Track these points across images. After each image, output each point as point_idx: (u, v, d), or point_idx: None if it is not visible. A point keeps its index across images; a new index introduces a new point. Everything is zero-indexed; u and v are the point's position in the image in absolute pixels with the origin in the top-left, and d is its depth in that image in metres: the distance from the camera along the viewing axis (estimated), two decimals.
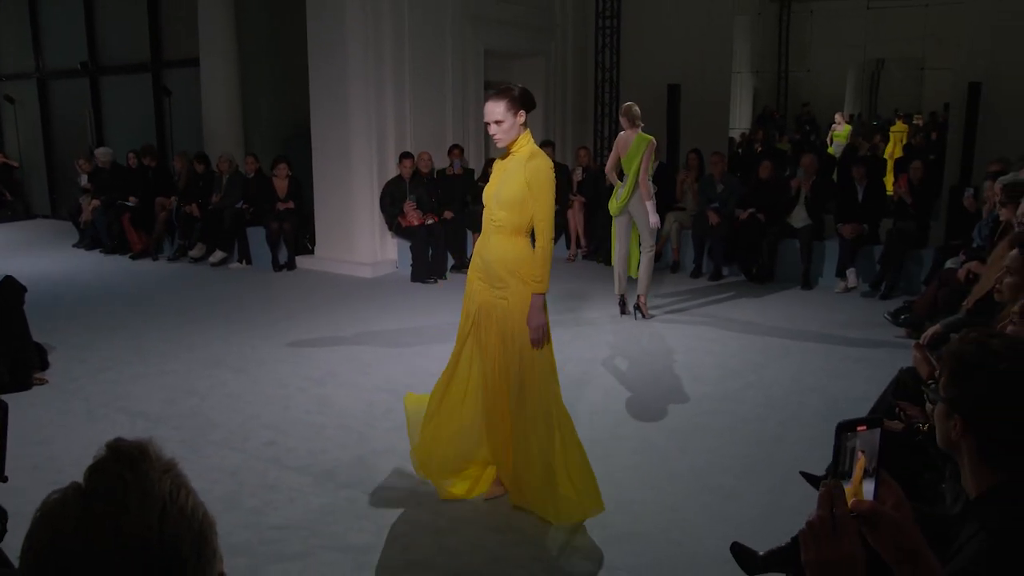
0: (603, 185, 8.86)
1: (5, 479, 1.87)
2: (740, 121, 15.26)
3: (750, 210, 8.52)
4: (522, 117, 3.36)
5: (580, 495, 3.44)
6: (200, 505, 1.02)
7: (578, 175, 9.84)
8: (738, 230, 8.51)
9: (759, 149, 13.49)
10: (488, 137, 9.73)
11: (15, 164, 14.20)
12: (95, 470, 0.99)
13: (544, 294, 3.40)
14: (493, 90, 3.40)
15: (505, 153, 3.47)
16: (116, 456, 1.00)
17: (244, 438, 4.51)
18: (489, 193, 3.48)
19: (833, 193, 8.68)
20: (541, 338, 3.40)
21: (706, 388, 5.29)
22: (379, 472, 4.06)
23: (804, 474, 2.64)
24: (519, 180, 3.35)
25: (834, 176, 11.27)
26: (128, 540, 0.94)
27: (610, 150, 7.25)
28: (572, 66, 11.67)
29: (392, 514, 3.63)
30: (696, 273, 8.76)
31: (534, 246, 3.43)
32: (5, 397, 2.45)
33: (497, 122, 3.34)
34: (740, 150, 14.15)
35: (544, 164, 3.33)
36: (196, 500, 1.02)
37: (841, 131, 14.51)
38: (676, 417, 4.79)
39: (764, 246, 8.39)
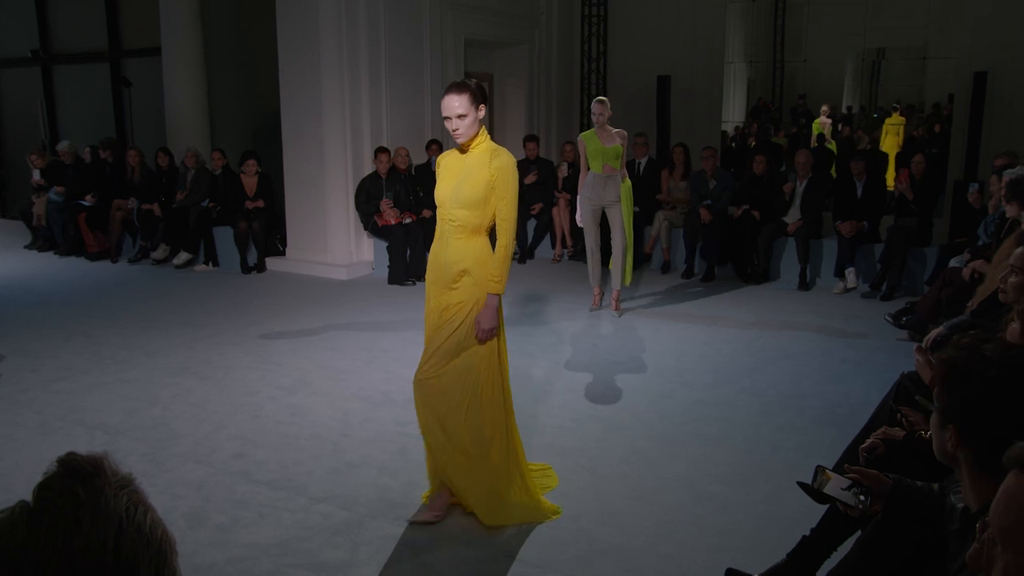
0: None
1: None
2: (733, 114, 15.34)
3: (744, 207, 8.57)
4: (482, 112, 3.42)
5: (534, 500, 3.67)
6: (159, 523, 1.02)
7: (563, 171, 9.87)
8: (731, 228, 8.56)
9: (753, 143, 13.58)
10: None
11: None
12: (45, 487, 0.98)
13: (500, 296, 3.46)
14: (452, 84, 3.43)
15: (463, 148, 3.48)
16: (68, 471, 0.99)
17: (211, 450, 4.49)
18: (444, 193, 3.49)
19: (830, 190, 8.75)
20: (487, 340, 3.48)
21: (698, 393, 5.32)
22: (355, 485, 4.06)
23: (801, 484, 2.66)
24: (482, 178, 3.39)
25: (832, 171, 11.37)
26: (80, 560, 0.92)
27: None
28: (557, 56, 11.72)
29: (368, 530, 3.62)
30: (688, 273, 8.81)
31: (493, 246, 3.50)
32: None
33: (460, 116, 3.37)
34: (733, 144, 14.22)
35: (510, 162, 3.39)
36: (155, 517, 1.01)
37: (824, 125, 14.56)
38: (666, 424, 4.81)
39: (759, 245, 8.45)
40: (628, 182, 7.03)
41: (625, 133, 7.03)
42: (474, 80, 3.47)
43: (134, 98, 12.07)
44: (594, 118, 6.91)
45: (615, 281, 7.13)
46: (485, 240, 3.49)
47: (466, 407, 3.52)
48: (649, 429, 4.75)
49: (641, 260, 9.05)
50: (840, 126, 14.96)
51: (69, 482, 0.96)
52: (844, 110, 15.88)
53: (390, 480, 4.12)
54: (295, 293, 8.31)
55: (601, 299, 7.42)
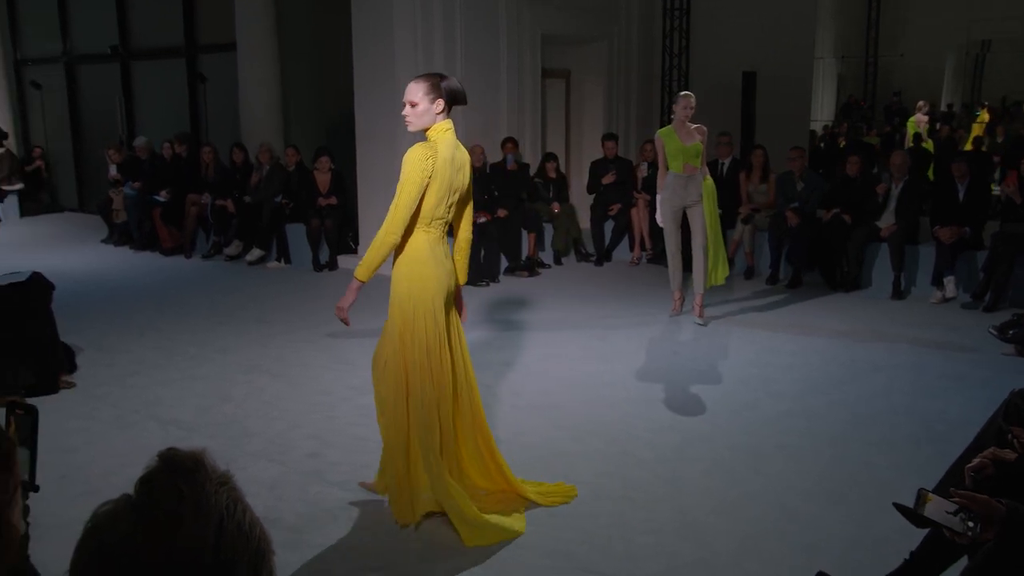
0: None
1: (36, 488, 1.94)
2: (822, 112, 15.05)
3: (834, 210, 8.39)
4: (439, 106, 3.47)
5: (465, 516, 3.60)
6: (257, 521, 1.03)
7: (643, 171, 9.81)
8: (820, 232, 8.38)
9: (843, 143, 13.28)
10: (545, 129, 9.85)
11: (41, 163, 14.68)
12: (147, 481, 1.01)
13: (361, 281, 3.56)
14: (421, 74, 3.55)
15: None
16: (170, 466, 1.01)
17: (284, 449, 4.59)
18: None
19: (927, 193, 8.50)
20: (341, 317, 3.64)
21: (784, 405, 5.23)
22: None
23: (899, 506, 2.58)
24: None
25: (929, 173, 11.04)
26: (182, 555, 0.94)
27: None
28: (637, 52, 11.64)
29: (436, 533, 3.65)
30: (772, 279, 8.66)
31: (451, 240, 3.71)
32: (31, 400, 2.53)
33: (412, 104, 3.47)
34: (822, 144, 13.95)
35: (415, 151, 3.42)
36: (253, 516, 1.03)
37: (920, 124, 14.13)
38: (750, 435, 4.74)
39: (849, 250, 8.25)
40: (711, 180, 6.93)
41: (705, 129, 6.93)
42: (453, 81, 3.53)
43: (209, 94, 12.44)
44: (683, 113, 6.80)
45: (697, 286, 7.04)
46: (417, 235, 3.54)
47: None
48: (732, 440, 4.68)
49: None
50: (938, 125, 14.51)
51: (171, 477, 0.99)
52: (943, 107, 15.40)
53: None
54: (367, 292, 8.36)
55: (682, 304, 7.34)
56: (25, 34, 15.42)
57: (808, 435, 4.75)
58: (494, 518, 3.63)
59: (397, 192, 3.44)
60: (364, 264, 3.53)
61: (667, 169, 6.88)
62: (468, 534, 3.55)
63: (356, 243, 9.80)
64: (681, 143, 6.77)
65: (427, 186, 3.44)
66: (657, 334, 6.88)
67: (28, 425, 1.70)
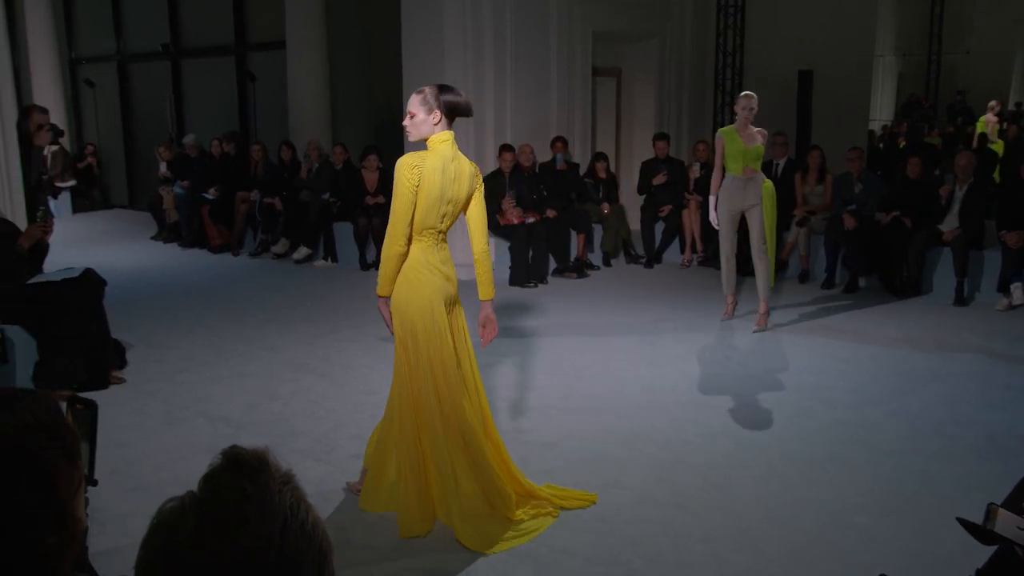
0: None
1: (95, 483, 1.98)
2: (881, 112, 14.79)
3: (894, 213, 8.23)
4: (435, 118, 3.58)
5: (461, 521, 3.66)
6: (320, 521, 1.05)
7: (695, 171, 9.73)
8: (878, 235, 8.24)
9: (903, 143, 13.04)
10: (595, 128, 9.90)
11: (93, 160, 15.04)
12: (212, 478, 1.02)
13: (382, 296, 3.66)
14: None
15: None
16: (234, 464, 1.03)
17: (329, 448, 4.65)
18: None
19: (993, 195, 8.30)
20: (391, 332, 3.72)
21: (839, 414, 5.15)
22: None
23: (963, 521, 2.52)
24: None
25: (996, 175, 10.78)
26: (246, 554, 0.96)
27: None
28: (690, 50, 11.56)
29: None
30: (828, 283, 8.53)
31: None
32: (82, 395, 2.59)
33: (411, 115, 3.61)
34: (881, 145, 13.71)
35: (401, 161, 3.53)
36: (316, 515, 1.04)
37: (989, 124, 13.81)
38: (805, 445, 4.68)
39: (909, 254, 8.10)
40: (770, 182, 6.83)
41: (766, 132, 6.87)
42: (456, 95, 3.62)
43: (258, 92, 12.64)
44: (743, 114, 6.75)
45: (762, 292, 6.94)
46: (415, 245, 3.62)
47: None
48: (785, 448, 4.63)
49: (777, 267, 8.82)
50: (1006, 125, 14.18)
51: (235, 475, 1.00)
52: (1011, 107, 15.04)
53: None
54: None
55: (734, 308, 7.27)
56: (80, 33, 15.82)
57: (864, 445, 4.67)
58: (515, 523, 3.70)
59: (392, 203, 3.56)
60: (379, 279, 3.66)
61: (723, 169, 6.81)
62: (467, 534, 3.60)
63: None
64: (743, 145, 6.68)
65: (416, 195, 3.53)
66: (709, 338, 6.82)
67: (87, 420, 1.74)
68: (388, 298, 3.65)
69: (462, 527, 3.60)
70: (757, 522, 3.81)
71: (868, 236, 8.26)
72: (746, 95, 6.79)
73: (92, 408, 1.70)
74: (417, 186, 3.50)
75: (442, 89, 3.62)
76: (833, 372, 5.95)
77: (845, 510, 3.92)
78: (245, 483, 0.99)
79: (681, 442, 4.72)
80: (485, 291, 3.85)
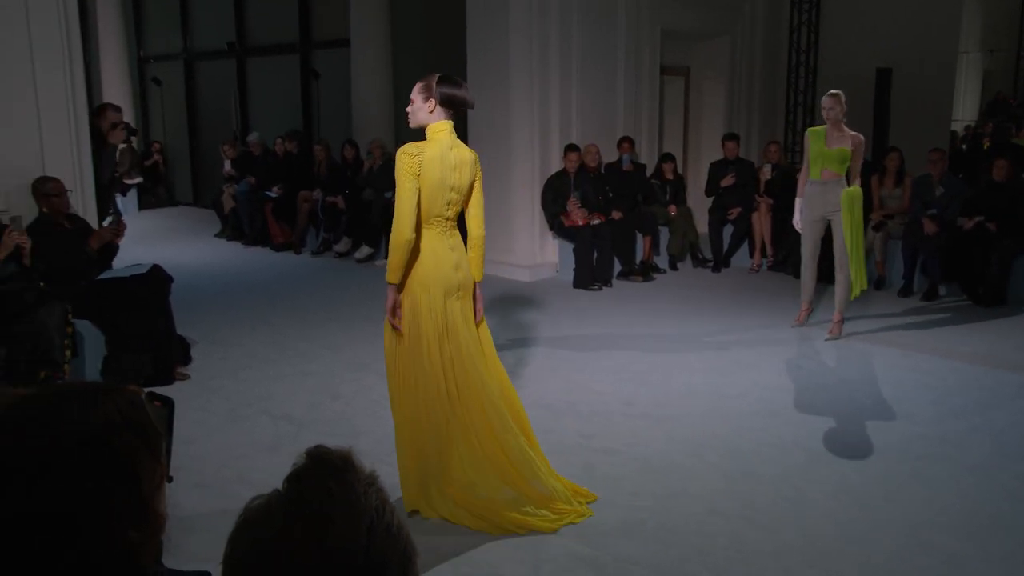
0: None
1: (170, 479, 2.04)
2: (965, 111, 14.38)
3: (977, 218, 8.01)
4: (431, 106, 3.76)
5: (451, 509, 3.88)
6: (405, 525, 1.06)
7: (766, 173, 9.59)
8: (960, 242, 8.02)
9: (988, 144, 12.67)
10: (662, 128, 9.97)
11: (159, 158, 15.45)
12: (296, 478, 1.04)
13: (390, 283, 3.76)
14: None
15: None
16: (319, 464, 1.04)
17: (391, 450, 4.67)
18: None
19: None
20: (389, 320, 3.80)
21: (919, 428, 5.02)
22: None
23: None
24: None
25: None
26: (333, 555, 0.97)
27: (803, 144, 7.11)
28: (762, 48, 11.42)
29: (552, 547, 3.67)
30: (906, 291, 8.34)
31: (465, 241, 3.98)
32: (148, 390, 2.65)
33: (411, 101, 3.83)
34: (964, 146, 13.35)
35: (402, 150, 3.70)
36: (400, 518, 1.06)
37: None
38: (882, 460, 4.58)
39: (994, 262, 7.86)
40: (854, 188, 6.62)
41: (862, 138, 6.69)
42: (457, 87, 3.82)
43: (322, 90, 12.84)
44: (824, 114, 6.62)
45: (839, 303, 6.83)
46: (425, 233, 3.79)
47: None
48: (861, 463, 4.53)
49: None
50: None
51: (321, 475, 1.02)
52: None
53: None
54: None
55: (808, 315, 7.15)
56: (148, 31, 16.25)
57: (946, 462, 4.55)
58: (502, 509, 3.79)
59: (396, 192, 3.72)
60: (388, 267, 3.79)
61: (807, 171, 6.70)
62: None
63: (464, 243, 9.89)
64: (825, 146, 6.56)
65: (419, 183, 3.69)
66: (779, 346, 6.71)
67: (164, 417, 1.78)
68: (396, 285, 3.77)
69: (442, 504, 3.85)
70: (830, 539, 3.74)
71: (949, 242, 8.05)
72: (829, 95, 6.65)
73: (168, 405, 1.75)
74: (418, 175, 3.66)
75: (442, 80, 3.79)
76: (912, 384, 5.81)
77: (925, 529, 3.83)
78: (330, 483, 1.01)
79: (750, 452, 4.65)
80: (478, 273, 4.05)
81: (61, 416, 1.10)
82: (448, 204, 3.77)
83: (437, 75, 3.82)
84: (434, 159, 3.68)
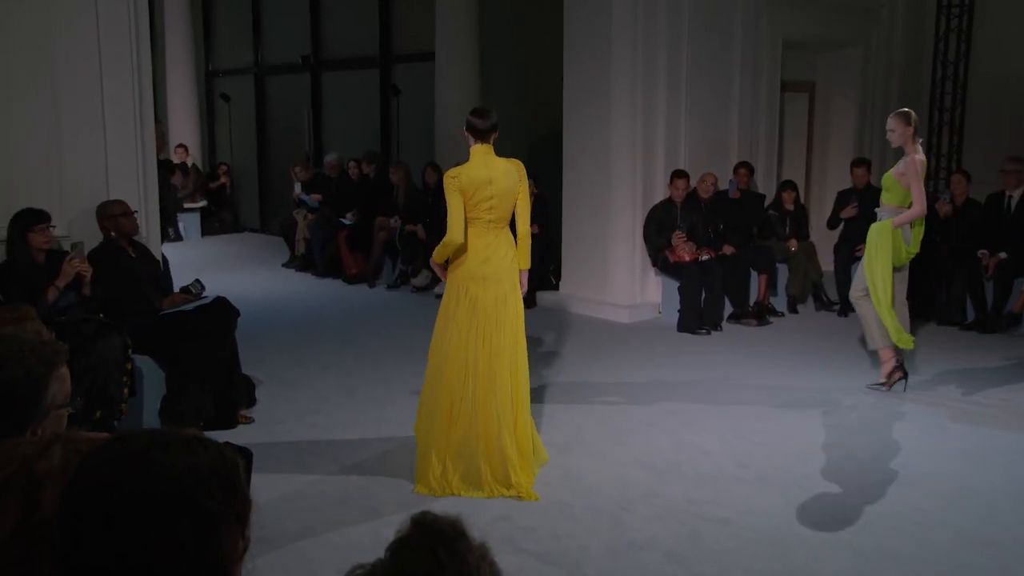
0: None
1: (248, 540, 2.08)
2: None
3: None
4: (469, 136, 5.10)
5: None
6: None
7: (944, 207, 9.34)
8: None
9: None
10: (782, 152, 10.20)
11: (226, 180, 15.92)
12: (403, 546, 1.05)
13: (435, 263, 5.27)
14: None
15: None
16: (427, 533, 1.05)
17: (473, 510, 4.69)
18: None
19: None
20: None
21: None
22: (637, 570, 4.09)
23: None
24: None
25: None
26: None
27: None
28: (900, 58, 11.21)
29: None
30: None
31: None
32: (209, 434, 2.71)
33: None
34: None
35: (446, 174, 5.13)
36: None
37: None
38: None
39: None
40: (883, 224, 6.50)
41: (918, 160, 6.48)
42: (473, 115, 5.14)
43: (402, 107, 13.06)
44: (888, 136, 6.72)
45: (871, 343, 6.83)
46: (470, 230, 5.05)
47: None
48: None
49: (1008, 323, 8.38)
50: None
51: (430, 545, 1.03)
52: None
53: (678, 569, 4.09)
54: (568, 334, 8.54)
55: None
56: (217, 43, 16.84)
57: None
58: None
59: (447, 206, 5.02)
60: (434, 254, 5.17)
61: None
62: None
63: (557, 278, 9.93)
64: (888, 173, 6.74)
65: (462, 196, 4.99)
66: (920, 404, 6.51)
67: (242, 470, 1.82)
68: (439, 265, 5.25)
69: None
70: None
71: None
72: (895, 114, 6.71)
73: (246, 457, 1.79)
74: (461, 190, 4.96)
75: (472, 112, 5.19)
76: None
77: None
78: (440, 551, 1.02)
79: (886, 528, 4.52)
80: (524, 262, 5.28)
81: (149, 467, 1.12)
82: (490, 208, 5.01)
83: (478, 112, 5.18)
84: (471, 179, 4.98)
